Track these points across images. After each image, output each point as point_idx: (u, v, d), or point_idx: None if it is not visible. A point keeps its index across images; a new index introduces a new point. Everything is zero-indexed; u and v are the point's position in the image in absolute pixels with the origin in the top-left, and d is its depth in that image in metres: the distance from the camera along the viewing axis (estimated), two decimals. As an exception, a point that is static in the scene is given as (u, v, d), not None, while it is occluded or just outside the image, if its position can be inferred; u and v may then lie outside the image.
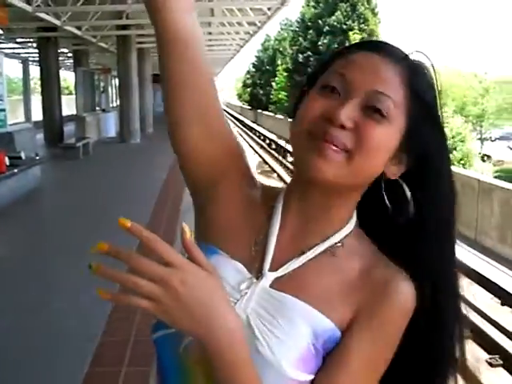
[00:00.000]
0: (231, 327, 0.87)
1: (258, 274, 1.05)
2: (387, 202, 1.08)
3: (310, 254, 1.06)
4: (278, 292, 1.02)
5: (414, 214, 1.06)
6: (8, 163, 11.31)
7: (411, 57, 1.06)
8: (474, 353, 6.79)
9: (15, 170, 11.42)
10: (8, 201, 10.67)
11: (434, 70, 1.06)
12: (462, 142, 30.42)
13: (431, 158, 1.05)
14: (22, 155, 12.55)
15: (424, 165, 1.05)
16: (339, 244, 1.07)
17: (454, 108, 45.38)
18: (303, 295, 1.02)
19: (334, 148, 0.97)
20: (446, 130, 1.08)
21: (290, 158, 22.49)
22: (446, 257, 1.09)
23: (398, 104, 1.00)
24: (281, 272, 1.05)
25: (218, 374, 0.89)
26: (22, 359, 4.60)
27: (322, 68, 1.08)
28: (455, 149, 29.79)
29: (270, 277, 1.04)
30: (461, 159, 29.16)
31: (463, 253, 9.98)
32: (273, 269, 1.05)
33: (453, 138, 30.38)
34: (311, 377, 0.98)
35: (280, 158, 27.65)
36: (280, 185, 15.07)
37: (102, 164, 16.88)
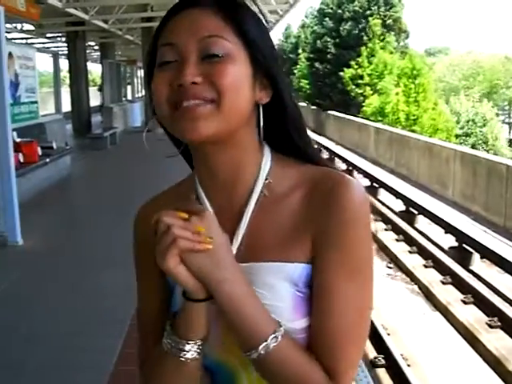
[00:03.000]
0: (236, 267, 0.98)
1: None
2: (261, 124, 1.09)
3: (249, 209, 1.07)
4: (243, 265, 1.02)
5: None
6: (40, 153, 11.55)
7: None
8: (474, 315, 7.35)
9: (47, 160, 11.65)
10: (41, 189, 10.88)
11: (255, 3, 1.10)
12: (484, 126, 30.08)
13: (272, 76, 1.07)
14: (54, 145, 12.76)
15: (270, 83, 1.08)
16: (267, 181, 1.09)
17: (482, 92, 44.80)
18: (264, 255, 1.04)
19: (198, 103, 0.98)
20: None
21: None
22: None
23: (232, 39, 1.02)
24: (235, 246, 1.06)
25: (232, 313, 0.96)
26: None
27: (154, 48, 1.07)
28: (471, 134, 29.43)
29: None
30: (483, 142, 28.82)
31: (491, 239, 10.09)
32: None
33: (473, 121, 30.00)
34: (308, 319, 1.02)
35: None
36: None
37: (128, 153, 16.79)
